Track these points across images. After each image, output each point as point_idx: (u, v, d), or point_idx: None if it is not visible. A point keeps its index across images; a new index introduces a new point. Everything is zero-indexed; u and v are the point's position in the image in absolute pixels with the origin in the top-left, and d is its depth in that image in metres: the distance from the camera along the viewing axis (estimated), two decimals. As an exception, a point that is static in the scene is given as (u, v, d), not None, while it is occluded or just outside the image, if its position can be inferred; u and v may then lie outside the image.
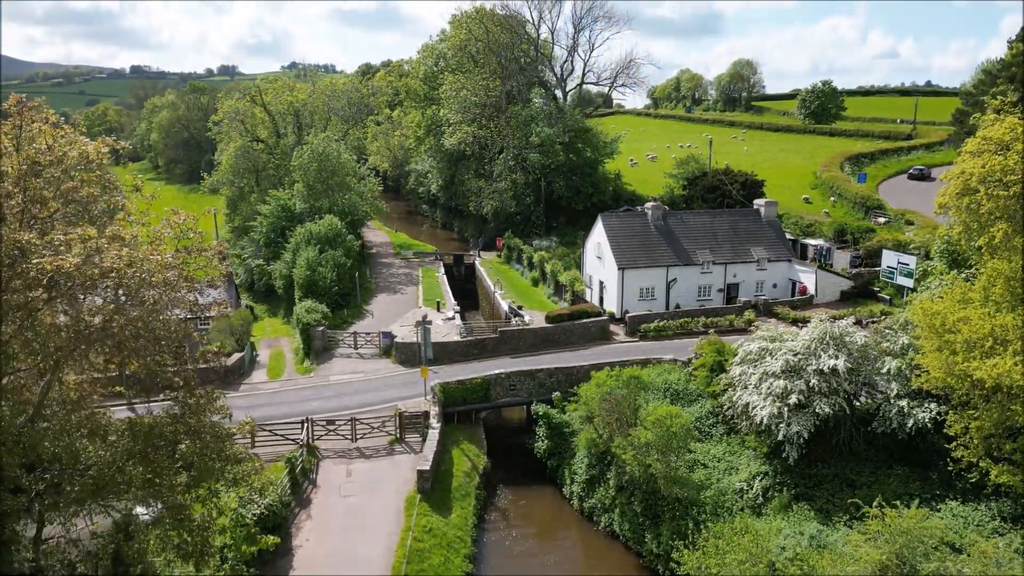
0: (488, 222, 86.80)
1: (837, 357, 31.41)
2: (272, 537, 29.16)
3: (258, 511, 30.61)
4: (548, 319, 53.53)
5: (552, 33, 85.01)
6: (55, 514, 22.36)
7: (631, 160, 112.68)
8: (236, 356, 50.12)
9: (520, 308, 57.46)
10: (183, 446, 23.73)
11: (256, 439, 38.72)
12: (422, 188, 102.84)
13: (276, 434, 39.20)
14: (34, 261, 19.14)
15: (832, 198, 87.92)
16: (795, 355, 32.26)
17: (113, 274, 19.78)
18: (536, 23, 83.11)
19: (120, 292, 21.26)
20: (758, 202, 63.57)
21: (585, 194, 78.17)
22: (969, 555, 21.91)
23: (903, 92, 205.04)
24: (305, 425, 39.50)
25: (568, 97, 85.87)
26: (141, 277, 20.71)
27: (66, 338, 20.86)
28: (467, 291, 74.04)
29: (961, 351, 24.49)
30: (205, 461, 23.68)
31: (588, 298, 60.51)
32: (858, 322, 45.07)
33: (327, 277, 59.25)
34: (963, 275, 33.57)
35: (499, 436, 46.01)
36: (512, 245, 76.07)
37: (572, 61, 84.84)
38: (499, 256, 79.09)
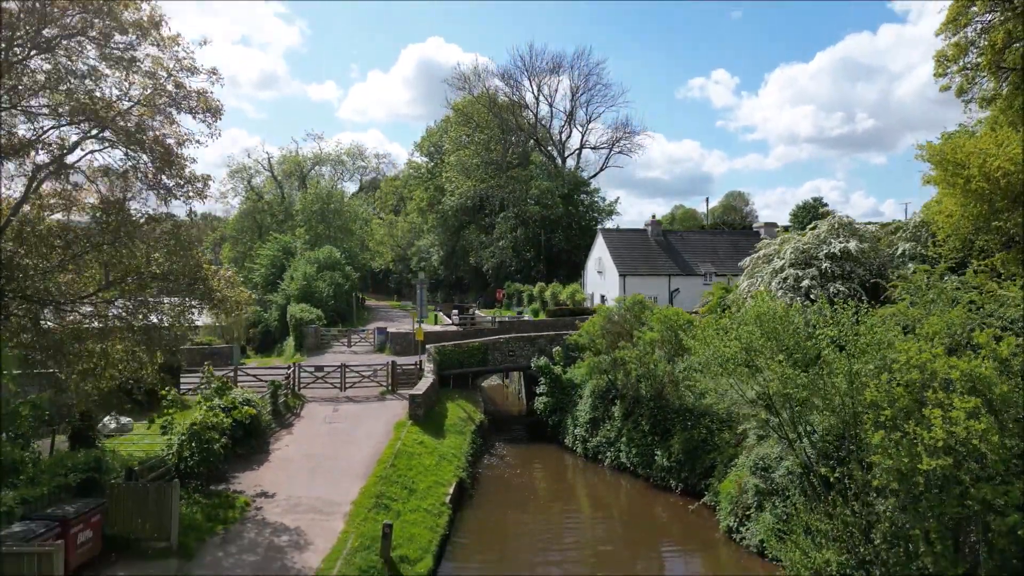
0: (488, 283, 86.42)
1: (848, 241, 30.24)
2: (249, 408, 26.61)
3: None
4: (549, 313, 52.05)
5: (551, 107, 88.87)
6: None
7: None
8: (225, 346, 48.30)
9: (520, 312, 55.97)
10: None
11: (238, 384, 36.60)
12: (424, 263, 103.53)
13: (260, 379, 36.98)
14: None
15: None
16: (804, 245, 31.05)
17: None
18: (536, 94, 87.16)
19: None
20: (757, 224, 63.74)
21: (584, 246, 78.30)
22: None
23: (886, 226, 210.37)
24: (291, 370, 37.33)
25: (566, 162, 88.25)
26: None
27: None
28: (466, 338, 72.44)
29: (975, 164, 23.58)
30: (177, 254, 22.31)
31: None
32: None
33: (324, 291, 58.22)
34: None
35: (497, 419, 43.35)
36: (512, 292, 75.34)
37: (570, 128, 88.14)
38: (499, 306, 78.11)
